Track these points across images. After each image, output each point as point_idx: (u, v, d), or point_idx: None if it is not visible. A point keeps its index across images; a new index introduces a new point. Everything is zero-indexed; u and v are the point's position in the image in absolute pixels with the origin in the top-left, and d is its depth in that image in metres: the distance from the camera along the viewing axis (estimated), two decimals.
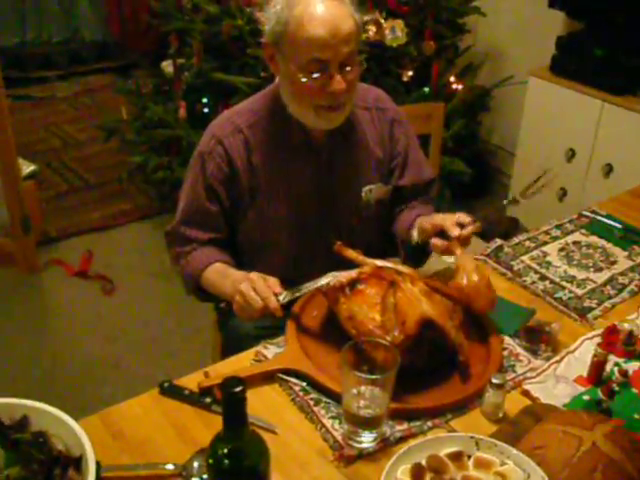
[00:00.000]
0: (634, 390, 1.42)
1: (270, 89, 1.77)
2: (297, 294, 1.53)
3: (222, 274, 1.70)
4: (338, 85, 1.56)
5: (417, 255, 1.81)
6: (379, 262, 1.56)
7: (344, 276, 1.47)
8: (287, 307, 1.55)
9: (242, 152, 1.71)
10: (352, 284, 1.47)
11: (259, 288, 1.50)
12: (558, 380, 1.43)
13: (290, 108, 1.68)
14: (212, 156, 1.71)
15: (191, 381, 1.40)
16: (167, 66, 3.62)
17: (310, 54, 1.54)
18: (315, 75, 1.56)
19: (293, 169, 1.74)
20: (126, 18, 5.75)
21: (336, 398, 1.34)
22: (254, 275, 1.54)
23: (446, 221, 1.60)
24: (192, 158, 1.77)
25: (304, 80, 1.56)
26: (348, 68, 1.58)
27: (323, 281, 1.49)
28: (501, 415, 1.35)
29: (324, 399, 1.37)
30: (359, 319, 1.42)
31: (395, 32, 3.05)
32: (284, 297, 1.51)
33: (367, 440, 1.27)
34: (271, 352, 1.49)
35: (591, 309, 1.69)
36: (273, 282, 1.53)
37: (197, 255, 1.75)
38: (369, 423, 1.26)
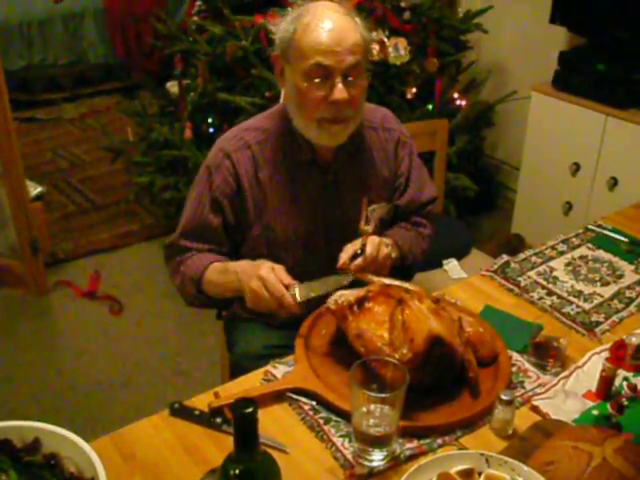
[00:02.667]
0: None
1: (279, 107, 1.79)
2: (312, 294, 1.56)
3: (223, 271, 1.71)
4: (340, 94, 1.58)
5: (401, 273, 1.82)
6: (387, 280, 1.56)
7: (352, 294, 1.48)
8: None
9: (249, 168, 1.72)
10: (360, 302, 1.48)
11: (272, 287, 1.53)
12: (567, 395, 1.43)
13: (295, 122, 1.70)
14: (220, 169, 1.72)
15: (201, 401, 1.41)
16: (172, 87, 3.65)
17: (313, 58, 1.56)
18: (317, 80, 1.58)
19: (300, 187, 1.75)
20: (130, 40, 5.81)
21: (346, 417, 1.34)
22: (264, 272, 1.55)
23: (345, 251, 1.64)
24: (199, 171, 1.79)
25: (306, 85, 1.58)
26: (351, 78, 1.59)
27: (333, 296, 1.51)
28: (510, 431, 1.35)
29: (334, 418, 1.37)
30: (367, 337, 1.42)
31: (398, 50, 3.07)
32: (297, 292, 1.54)
33: (377, 458, 1.27)
34: (280, 371, 1.50)
35: (599, 323, 1.69)
36: (282, 274, 1.56)
37: (195, 259, 1.77)
38: (379, 441, 1.26)
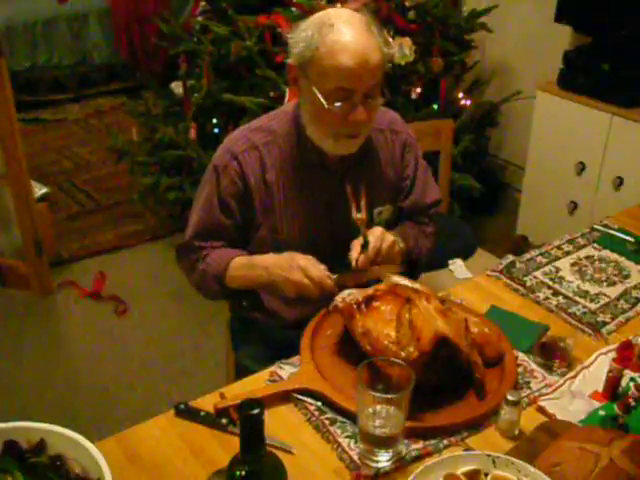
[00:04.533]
0: None
1: (287, 109, 1.78)
2: (349, 284, 1.59)
3: (249, 266, 1.73)
4: (360, 116, 1.58)
5: (407, 270, 1.82)
6: (397, 279, 1.56)
7: (360, 293, 1.48)
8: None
9: (256, 169, 1.72)
10: (368, 301, 1.48)
11: (313, 274, 1.59)
12: (574, 396, 1.43)
13: (309, 131, 1.69)
14: (227, 171, 1.72)
15: (206, 402, 1.40)
16: (176, 87, 3.65)
17: (337, 83, 1.55)
18: (338, 104, 1.57)
19: (307, 189, 1.75)
20: (135, 41, 5.81)
21: (352, 417, 1.34)
22: (303, 262, 1.60)
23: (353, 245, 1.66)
24: (206, 172, 1.79)
25: (326, 105, 1.58)
26: (370, 99, 1.59)
27: (340, 294, 1.52)
28: (517, 432, 1.35)
29: (340, 419, 1.37)
30: (374, 335, 1.42)
31: (403, 50, 3.07)
32: (336, 277, 1.60)
33: (383, 459, 1.27)
34: (286, 372, 1.49)
35: (605, 324, 1.68)
36: (317, 263, 1.61)
37: (214, 257, 1.76)
38: (385, 442, 1.26)
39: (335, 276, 1.60)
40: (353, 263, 1.63)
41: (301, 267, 1.59)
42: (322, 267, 1.61)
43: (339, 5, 1.67)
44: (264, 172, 1.72)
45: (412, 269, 1.87)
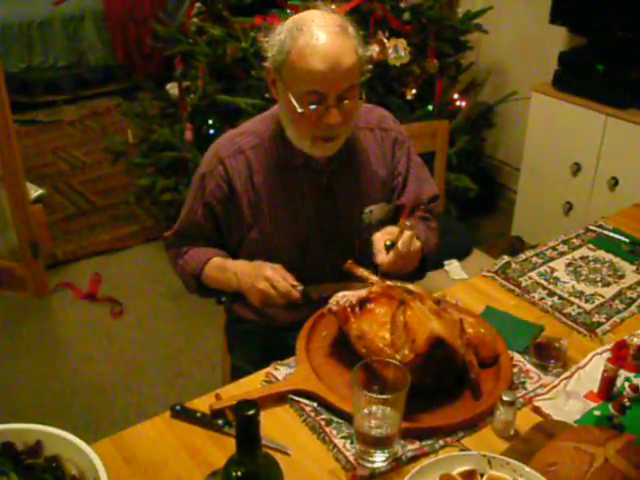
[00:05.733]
0: None
1: (274, 111, 1.78)
2: (325, 294, 1.59)
3: (222, 269, 1.76)
4: (334, 119, 1.57)
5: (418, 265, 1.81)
6: (389, 281, 1.56)
7: (354, 295, 1.48)
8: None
9: (243, 173, 1.72)
10: (362, 303, 1.48)
11: (278, 285, 1.60)
12: (569, 396, 1.44)
13: (288, 133, 1.69)
14: (213, 175, 1.73)
15: (202, 403, 1.41)
16: (172, 88, 3.64)
17: (308, 86, 1.55)
18: (312, 107, 1.57)
19: (295, 191, 1.75)
20: (130, 42, 5.81)
21: (347, 418, 1.34)
22: (269, 272, 1.62)
23: (377, 243, 1.63)
24: (194, 176, 1.81)
25: (301, 110, 1.58)
26: (346, 102, 1.58)
27: (334, 297, 1.51)
28: (512, 432, 1.35)
29: (335, 419, 1.37)
30: (369, 338, 1.42)
31: (398, 51, 3.07)
32: (302, 289, 1.61)
33: (379, 460, 1.27)
34: (282, 373, 1.50)
35: (600, 324, 1.69)
36: (285, 274, 1.63)
37: (193, 254, 1.82)
38: (381, 443, 1.26)
39: (301, 287, 1.61)
40: (383, 261, 1.59)
41: (267, 277, 1.61)
42: (289, 277, 1.62)
43: (312, 6, 1.65)
44: (251, 175, 1.73)
45: (422, 267, 1.84)
